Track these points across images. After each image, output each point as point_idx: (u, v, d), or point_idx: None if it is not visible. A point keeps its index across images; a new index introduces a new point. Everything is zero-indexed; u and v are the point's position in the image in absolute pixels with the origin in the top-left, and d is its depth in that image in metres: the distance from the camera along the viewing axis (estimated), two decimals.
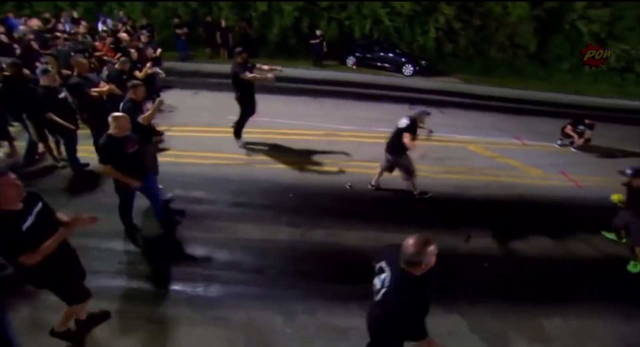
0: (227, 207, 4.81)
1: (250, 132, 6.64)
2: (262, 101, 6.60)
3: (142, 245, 4.02)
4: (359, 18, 14.71)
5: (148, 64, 6.77)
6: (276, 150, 6.40)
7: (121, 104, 4.34)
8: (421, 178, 5.64)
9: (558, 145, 7.96)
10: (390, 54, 13.84)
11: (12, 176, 2.29)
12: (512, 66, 15.69)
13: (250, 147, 6.39)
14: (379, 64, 13.86)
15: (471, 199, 5.54)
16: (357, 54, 13.90)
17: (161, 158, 5.87)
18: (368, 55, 13.91)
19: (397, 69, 13.59)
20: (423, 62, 13.68)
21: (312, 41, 13.10)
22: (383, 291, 2.15)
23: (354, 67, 13.85)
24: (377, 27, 14.81)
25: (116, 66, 6.21)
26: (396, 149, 5.02)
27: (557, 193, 5.96)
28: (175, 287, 3.61)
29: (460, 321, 3.51)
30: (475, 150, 7.24)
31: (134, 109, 4.21)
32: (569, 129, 7.66)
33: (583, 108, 10.62)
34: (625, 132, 9.11)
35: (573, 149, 7.78)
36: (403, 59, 13.60)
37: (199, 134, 6.83)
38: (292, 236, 4.39)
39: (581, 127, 7.56)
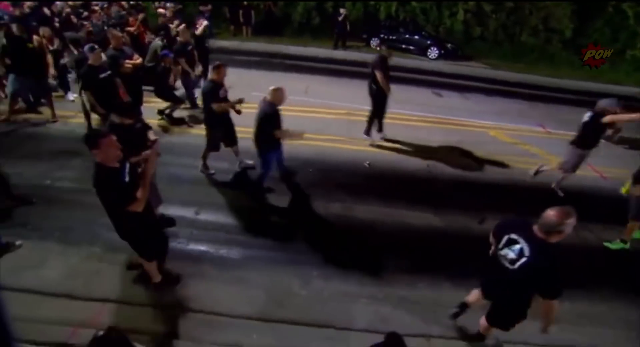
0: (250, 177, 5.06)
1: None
2: (283, 79, 6.74)
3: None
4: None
5: (203, 23, 7.34)
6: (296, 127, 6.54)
7: (202, 85, 4.70)
8: (435, 161, 5.72)
9: None
10: (416, 36, 13.56)
11: (114, 137, 2.60)
12: (544, 52, 14.96)
13: None
14: (403, 46, 13.60)
15: (486, 183, 5.59)
16: (382, 35, 13.66)
17: (190, 132, 6.23)
18: (393, 37, 13.63)
19: (422, 51, 13.31)
20: (449, 46, 13.34)
21: (337, 18, 12.89)
22: (524, 259, 2.36)
23: (378, 48, 13.61)
24: (404, 8, 14.44)
25: (178, 38, 6.58)
26: (587, 144, 5.09)
27: (581, 183, 5.91)
28: (202, 247, 3.92)
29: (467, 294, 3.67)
30: (496, 136, 7.18)
31: (214, 90, 4.40)
32: None
33: (618, 98, 10.14)
34: None
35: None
36: (428, 42, 13.30)
37: None
38: (312, 206, 4.62)
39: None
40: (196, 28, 7.35)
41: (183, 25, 7.15)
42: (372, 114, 6.18)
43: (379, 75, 5.59)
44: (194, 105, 6.91)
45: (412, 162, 5.95)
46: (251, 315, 3.25)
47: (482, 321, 2.98)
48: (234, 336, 3.05)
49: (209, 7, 12.66)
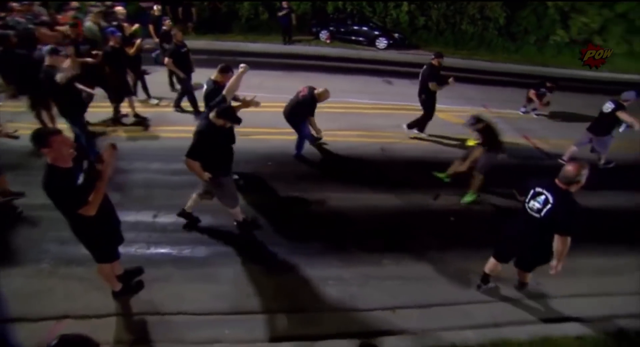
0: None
1: None
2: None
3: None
4: None
5: (139, 40, 6.70)
6: (250, 122, 6.48)
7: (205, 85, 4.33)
8: (394, 144, 5.97)
9: (522, 112, 8.51)
10: (364, 28, 13.86)
11: (65, 135, 2.41)
12: (483, 39, 16.07)
13: None
14: (352, 37, 13.87)
15: (440, 162, 5.90)
16: (331, 28, 13.83)
17: (142, 134, 5.95)
18: (342, 29, 13.87)
19: (371, 42, 13.66)
20: (396, 35, 13.81)
21: (279, 14, 12.81)
22: (549, 206, 2.83)
23: (328, 41, 13.80)
24: (350, 1, 14.71)
25: (111, 43, 6.01)
26: (601, 131, 5.91)
27: (519, 154, 6.48)
28: (163, 250, 3.79)
29: (429, 265, 3.91)
30: (445, 118, 7.60)
31: (218, 92, 3.87)
32: (531, 94, 8.23)
33: (547, 79, 11.16)
34: (585, 100, 9.73)
35: (534, 116, 8.39)
36: (376, 33, 13.67)
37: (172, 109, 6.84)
38: (274, 199, 4.62)
39: (542, 90, 8.10)
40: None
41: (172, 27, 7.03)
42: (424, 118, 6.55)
43: (431, 86, 6.11)
44: (196, 110, 6.52)
45: (370, 147, 6.15)
46: (221, 310, 3.22)
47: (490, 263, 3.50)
48: (206, 333, 3.01)
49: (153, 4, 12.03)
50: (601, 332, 3.30)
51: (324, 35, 13.86)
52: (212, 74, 4.44)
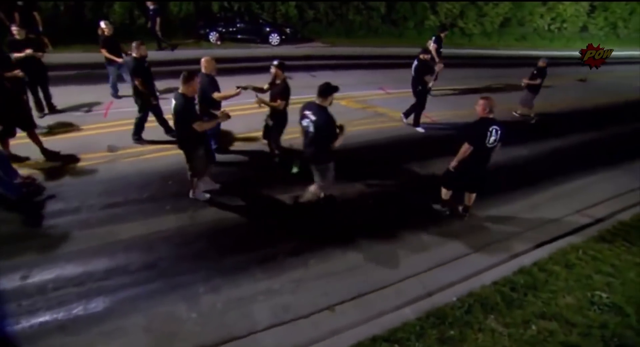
0: (98, 211, 4.14)
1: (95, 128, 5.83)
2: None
3: None
4: None
5: (28, 50, 5.58)
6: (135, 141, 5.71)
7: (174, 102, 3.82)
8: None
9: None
10: (254, 26, 13.48)
11: None
12: (369, 27, 17.12)
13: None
14: (243, 36, 13.38)
15: (351, 149, 5.98)
16: (219, 29, 13.12)
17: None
18: (231, 29, 13.26)
19: (264, 39, 13.36)
20: (288, 30, 13.74)
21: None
22: (498, 136, 3.93)
23: (218, 42, 13.07)
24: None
25: (133, 54, 5.02)
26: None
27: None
28: (43, 318, 3.01)
29: (355, 254, 3.88)
30: (347, 105, 7.79)
31: (190, 105, 3.84)
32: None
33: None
34: (460, 73, 10.99)
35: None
36: (267, 29, 13.40)
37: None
38: (179, 221, 4.08)
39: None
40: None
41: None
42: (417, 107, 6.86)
43: (427, 79, 6.67)
44: (168, 130, 5.76)
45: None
46: None
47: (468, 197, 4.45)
48: None
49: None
50: (510, 271, 3.68)
51: (212, 36, 13.07)
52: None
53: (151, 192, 4.49)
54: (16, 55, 5.48)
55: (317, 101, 3.63)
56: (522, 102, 8.17)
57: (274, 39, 13.37)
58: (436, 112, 7.78)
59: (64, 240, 3.69)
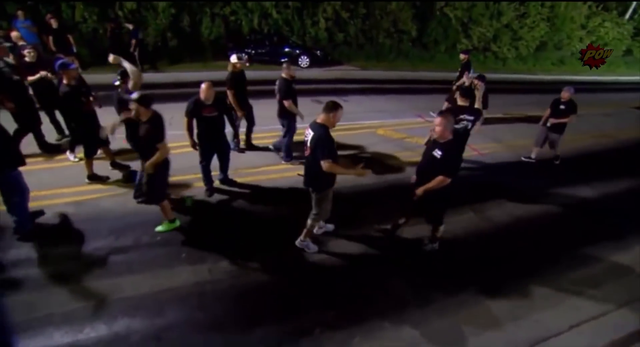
0: (103, 257, 3.55)
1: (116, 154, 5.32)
2: None
3: None
4: (244, 12, 13.75)
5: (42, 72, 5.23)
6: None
7: None
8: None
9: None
10: (284, 48, 13.25)
11: None
12: (399, 51, 16.67)
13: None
14: (273, 59, 13.15)
15: (389, 185, 5.25)
16: (248, 50, 12.95)
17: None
18: (260, 51, 13.07)
19: (293, 61, 13.04)
20: (318, 53, 13.43)
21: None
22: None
23: (247, 64, 12.79)
24: (266, 21, 14.07)
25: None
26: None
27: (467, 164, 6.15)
28: None
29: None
30: (385, 134, 7.09)
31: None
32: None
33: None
34: (501, 99, 10.14)
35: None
36: (297, 51, 13.13)
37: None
38: (196, 275, 3.41)
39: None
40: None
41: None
42: None
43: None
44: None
45: None
46: None
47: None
48: None
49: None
50: None
51: (243, 58, 12.89)
52: None
53: (165, 235, 3.88)
54: (30, 78, 5.18)
55: (319, 119, 3.17)
56: (539, 142, 6.39)
57: (304, 61, 13.06)
58: (481, 144, 6.97)
59: (56, 296, 3.08)
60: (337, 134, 6.83)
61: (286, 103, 5.00)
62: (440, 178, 3.17)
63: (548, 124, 6.09)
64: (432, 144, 3.32)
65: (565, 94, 5.98)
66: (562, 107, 5.97)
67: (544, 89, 13.15)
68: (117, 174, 4.89)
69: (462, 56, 8.22)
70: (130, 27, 11.16)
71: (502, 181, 5.78)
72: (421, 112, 8.53)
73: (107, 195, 4.45)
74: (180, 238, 3.83)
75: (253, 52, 12.99)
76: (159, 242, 3.76)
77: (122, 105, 4.06)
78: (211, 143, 4.42)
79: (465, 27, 17.77)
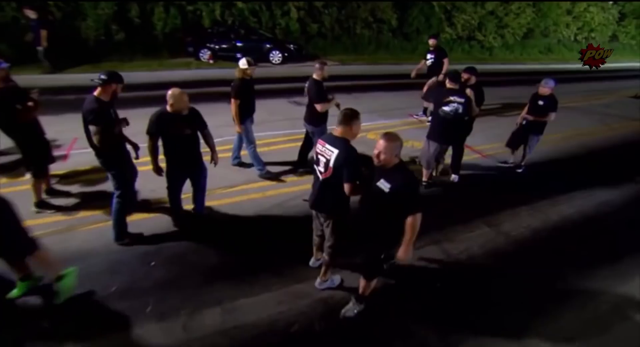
0: (29, 322, 3.04)
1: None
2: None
3: None
4: (204, 1, 13.26)
5: None
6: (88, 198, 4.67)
7: None
8: None
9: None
10: (252, 42, 12.87)
11: None
12: (379, 42, 16.70)
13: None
14: (239, 54, 12.73)
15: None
16: (212, 45, 12.48)
17: None
18: (225, 46, 12.62)
19: (264, 57, 12.73)
20: (291, 47, 13.17)
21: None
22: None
23: (211, 61, 12.39)
24: (230, 11, 13.64)
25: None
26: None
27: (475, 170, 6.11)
28: None
29: None
30: (376, 139, 6.86)
31: None
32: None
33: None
34: (498, 92, 10.26)
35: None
36: (268, 46, 12.82)
37: None
38: (167, 335, 2.97)
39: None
40: None
41: None
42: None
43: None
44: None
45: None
46: None
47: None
48: None
49: None
50: None
51: (204, 55, 12.41)
52: None
53: (124, 281, 3.40)
54: None
55: (337, 132, 2.90)
56: (513, 144, 6.05)
57: (276, 57, 12.77)
58: (483, 145, 6.91)
59: None
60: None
61: (319, 106, 4.95)
62: (411, 221, 2.61)
63: (524, 122, 5.74)
64: (377, 173, 2.70)
65: (544, 89, 5.56)
66: (540, 103, 5.58)
67: (537, 80, 13.50)
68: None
69: (431, 41, 7.92)
70: (32, 15, 9.45)
71: (510, 187, 5.71)
72: (412, 111, 8.43)
73: (50, 231, 3.91)
74: (145, 284, 3.38)
75: (217, 47, 12.53)
76: (115, 293, 3.28)
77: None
78: (182, 168, 3.94)
79: (448, 15, 18.11)
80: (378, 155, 2.60)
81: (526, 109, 5.82)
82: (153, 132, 3.64)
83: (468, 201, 5.22)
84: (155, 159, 3.77)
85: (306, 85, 5.14)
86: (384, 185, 2.61)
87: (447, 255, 4.09)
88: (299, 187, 5.08)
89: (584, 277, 3.89)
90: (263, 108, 8.05)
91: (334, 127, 2.96)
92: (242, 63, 5.04)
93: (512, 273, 3.91)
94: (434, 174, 5.56)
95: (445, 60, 7.67)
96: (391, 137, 2.62)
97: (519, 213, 4.98)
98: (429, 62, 7.84)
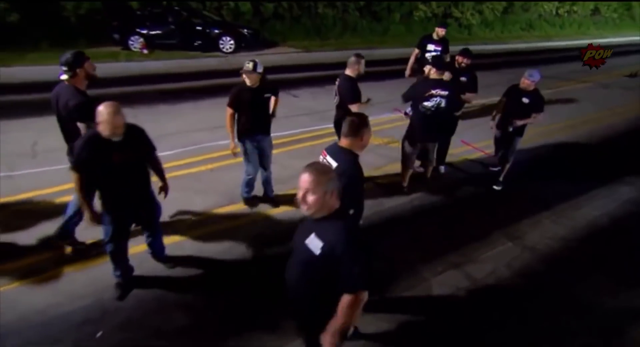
0: None
1: None
2: None
3: None
4: None
5: None
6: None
7: None
8: None
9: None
10: (197, 26, 12.02)
11: None
12: (345, 23, 16.34)
13: None
14: (181, 42, 11.88)
15: (387, 219, 4.55)
16: (144, 31, 11.48)
17: None
18: (161, 32, 11.67)
19: (212, 44, 11.95)
20: (245, 31, 12.49)
21: None
22: None
23: (145, 51, 11.38)
24: None
25: None
26: None
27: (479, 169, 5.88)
28: None
29: None
30: (381, 144, 6.47)
31: None
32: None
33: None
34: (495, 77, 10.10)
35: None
36: (216, 31, 12.05)
37: None
38: None
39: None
40: None
41: None
42: None
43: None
44: None
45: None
46: None
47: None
48: None
49: None
50: None
51: (136, 43, 11.40)
52: None
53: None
54: None
55: (343, 143, 2.75)
56: (500, 152, 5.47)
57: (227, 44, 12.02)
58: (483, 141, 6.61)
59: None
60: (291, 149, 6.04)
61: (354, 107, 4.73)
62: (347, 302, 1.79)
63: (511, 128, 4.98)
64: (307, 225, 2.01)
65: (527, 83, 4.83)
66: (525, 100, 4.90)
67: (530, 60, 13.75)
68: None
69: (441, 31, 7.13)
70: None
71: (523, 189, 5.47)
72: (397, 106, 7.99)
73: None
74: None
75: (150, 33, 11.55)
76: None
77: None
78: (126, 209, 3.05)
79: None
80: (304, 198, 1.83)
81: (502, 106, 5.23)
82: (81, 162, 2.82)
83: (477, 206, 4.99)
84: (89, 202, 2.95)
85: (336, 82, 4.98)
86: (313, 243, 1.87)
87: (471, 280, 3.67)
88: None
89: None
90: (212, 111, 7.36)
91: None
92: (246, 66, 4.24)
93: (548, 296, 3.57)
94: (427, 176, 5.41)
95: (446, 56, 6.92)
96: (319, 169, 1.88)
97: (541, 220, 4.76)
98: (429, 55, 7.03)
